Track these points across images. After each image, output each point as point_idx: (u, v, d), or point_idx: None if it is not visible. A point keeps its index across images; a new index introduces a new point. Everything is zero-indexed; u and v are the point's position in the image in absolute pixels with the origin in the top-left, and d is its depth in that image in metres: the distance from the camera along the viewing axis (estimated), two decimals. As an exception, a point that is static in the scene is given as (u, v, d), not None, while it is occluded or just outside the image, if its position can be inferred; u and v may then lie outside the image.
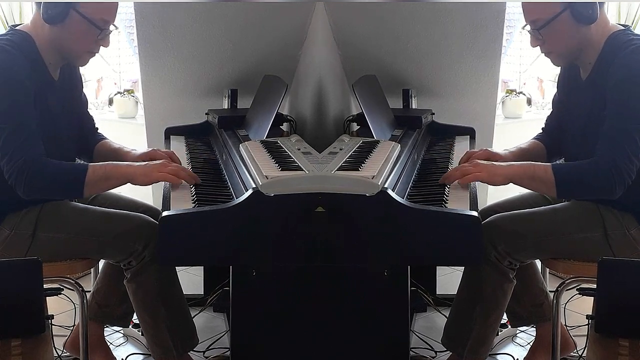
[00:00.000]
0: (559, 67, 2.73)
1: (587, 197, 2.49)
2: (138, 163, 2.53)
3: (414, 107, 3.85)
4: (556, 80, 2.81)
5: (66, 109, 2.62)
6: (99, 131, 2.93)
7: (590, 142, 2.42)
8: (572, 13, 2.41)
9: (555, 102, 2.80)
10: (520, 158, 2.71)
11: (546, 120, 2.87)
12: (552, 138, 2.81)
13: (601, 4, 2.46)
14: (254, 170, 2.38)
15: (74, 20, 2.45)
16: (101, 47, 2.57)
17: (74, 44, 2.50)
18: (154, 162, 2.54)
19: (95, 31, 2.48)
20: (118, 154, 2.78)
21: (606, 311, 2.27)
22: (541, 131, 2.88)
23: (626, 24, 2.64)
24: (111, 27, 2.53)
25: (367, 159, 2.54)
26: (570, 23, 2.43)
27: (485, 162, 2.53)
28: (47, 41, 2.49)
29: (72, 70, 2.69)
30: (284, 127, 3.47)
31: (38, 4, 2.49)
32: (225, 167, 2.79)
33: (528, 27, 2.51)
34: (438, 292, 3.52)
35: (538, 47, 2.57)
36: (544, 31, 2.46)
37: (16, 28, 2.55)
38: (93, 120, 2.91)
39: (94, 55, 2.58)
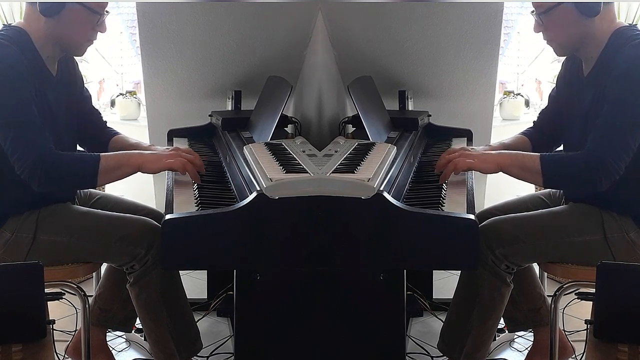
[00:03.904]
0: (559, 67, 2.74)
1: (572, 189, 2.52)
2: (149, 151, 2.53)
3: (410, 108, 3.84)
4: (555, 79, 2.79)
5: (65, 104, 2.61)
6: (108, 125, 2.91)
7: None
8: (575, 4, 2.41)
9: (553, 98, 2.79)
10: None
11: (539, 115, 2.87)
12: (542, 133, 2.81)
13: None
14: (258, 173, 2.35)
15: (71, 9, 2.45)
16: (101, 47, 2.56)
17: (74, 34, 2.50)
18: (164, 149, 2.54)
19: (94, 18, 2.48)
20: (137, 150, 2.75)
21: (605, 316, 2.26)
22: (532, 125, 2.87)
23: (632, 23, 2.63)
24: (105, 12, 2.53)
25: (363, 161, 2.52)
26: (573, 13, 2.42)
27: (474, 151, 2.53)
28: (43, 35, 2.48)
29: (70, 66, 2.68)
30: (289, 129, 3.44)
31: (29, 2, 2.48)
32: (229, 170, 2.77)
33: (534, 12, 2.50)
34: (434, 296, 3.52)
35: (538, 46, 2.57)
36: (545, 18, 2.46)
37: (10, 25, 2.54)
38: (100, 115, 2.90)
39: (92, 43, 2.57)
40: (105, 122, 2.90)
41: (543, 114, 2.84)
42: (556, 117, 2.72)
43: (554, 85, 2.80)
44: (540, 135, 2.81)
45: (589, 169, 2.33)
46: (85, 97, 2.80)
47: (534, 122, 2.87)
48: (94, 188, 2.63)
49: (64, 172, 2.38)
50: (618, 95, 2.34)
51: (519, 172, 2.45)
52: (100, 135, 2.84)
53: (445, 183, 2.54)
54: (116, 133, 2.87)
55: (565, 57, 2.69)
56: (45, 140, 2.36)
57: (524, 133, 2.85)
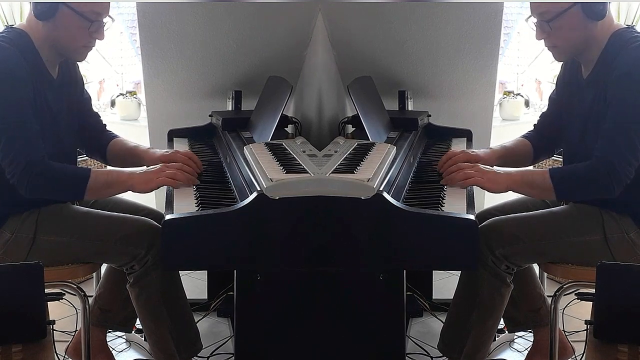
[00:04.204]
0: (559, 67, 2.73)
1: (586, 199, 2.49)
2: (139, 170, 2.51)
3: (410, 108, 3.84)
4: (555, 80, 2.79)
5: (66, 107, 2.60)
6: (107, 129, 2.90)
7: (590, 140, 2.42)
8: (582, 8, 2.40)
9: (553, 100, 2.78)
10: (504, 157, 2.72)
11: (539, 117, 2.86)
12: (543, 135, 2.80)
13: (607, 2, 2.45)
14: (258, 173, 2.35)
15: (64, 14, 2.44)
16: (101, 47, 2.55)
17: (68, 39, 2.49)
18: (152, 168, 2.52)
19: (86, 24, 2.46)
20: (134, 153, 2.77)
21: (605, 316, 2.26)
22: (532, 128, 2.87)
23: (629, 24, 2.63)
24: (105, 20, 2.51)
25: (363, 161, 2.51)
26: (579, 18, 2.42)
27: (487, 167, 2.52)
28: (42, 38, 2.48)
29: (71, 68, 2.67)
30: (289, 129, 3.44)
31: (32, 2, 2.47)
32: (229, 170, 2.77)
33: (533, 19, 2.49)
34: (434, 296, 3.51)
35: (538, 46, 2.56)
36: (553, 24, 2.44)
37: (12, 27, 2.54)
38: (100, 118, 2.89)
39: (91, 49, 2.56)
40: (105, 125, 2.89)
41: (543, 116, 2.84)
42: (556, 119, 2.72)
43: (554, 86, 2.80)
44: (540, 137, 2.80)
45: (601, 179, 2.33)
46: (85, 99, 2.80)
47: (534, 124, 2.87)
48: (82, 201, 2.63)
49: (51, 183, 2.38)
50: (621, 97, 2.34)
51: (529, 191, 2.47)
52: (99, 137, 2.83)
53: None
54: (115, 136, 2.87)
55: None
56: (38, 148, 2.35)
57: (524, 136, 2.84)
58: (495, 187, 2.45)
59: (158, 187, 2.46)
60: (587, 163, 2.39)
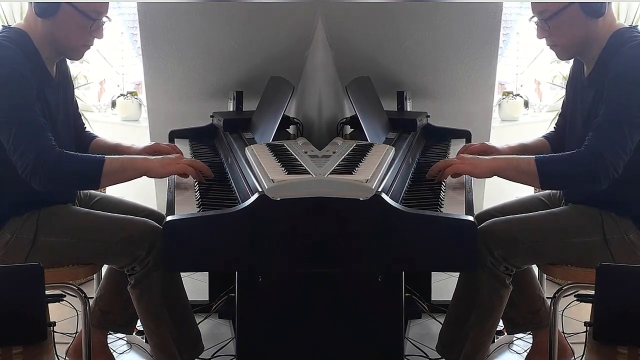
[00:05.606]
0: (559, 68, 2.72)
1: (570, 188, 2.49)
2: (154, 157, 2.52)
3: (408, 109, 3.83)
4: (554, 81, 2.79)
5: (63, 105, 2.62)
6: (87, 130, 2.94)
7: None
8: (581, 5, 2.40)
9: (563, 102, 2.79)
10: (520, 153, 2.71)
11: (557, 118, 2.87)
12: (559, 137, 2.80)
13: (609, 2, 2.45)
14: (259, 174, 2.35)
15: (65, 12, 2.45)
16: (102, 47, 2.56)
17: (68, 37, 2.50)
18: (170, 156, 2.54)
19: (87, 22, 2.47)
20: (118, 150, 2.79)
21: (605, 318, 2.25)
22: (553, 129, 2.88)
23: (631, 24, 2.63)
24: (104, 19, 2.52)
25: (361, 162, 2.51)
26: (579, 15, 2.42)
27: (470, 155, 2.52)
28: (42, 36, 2.48)
29: (64, 68, 2.68)
30: (291, 129, 3.44)
31: (30, 2, 2.48)
32: (230, 171, 2.77)
33: (535, 19, 2.50)
34: (433, 298, 3.50)
35: (538, 46, 2.55)
36: (552, 22, 2.45)
37: (11, 27, 2.55)
38: (82, 120, 2.92)
39: (89, 48, 2.57)
40: (85, 126, 2.93)
41: (558, 118, 2.85)
42: (567, 120, 2.73)
43: (557, 87, 2.81)
44: (558, 138, 2.80)
45: (587, 167, 2.30)
46: (74, 101, 2.82)
47: (555, 125, 2.89)
48: (97, 190, 2.62)
49: (65, 172, 2.36)
50: (616, 94, 2.34)
51: (514, 175, 2.42)
52: (80, 137, 2.84)
53: (443, 184, 2.54)
54: (95, 136, 2.90)
55: (573, 60, 2.67)
56: (48, 139, 2.34)
57: (544, 136, 2.86)
58: (478, 172, 2.43)
59: (176, 173, 2.46)
60: (575, 152, 2.37)
